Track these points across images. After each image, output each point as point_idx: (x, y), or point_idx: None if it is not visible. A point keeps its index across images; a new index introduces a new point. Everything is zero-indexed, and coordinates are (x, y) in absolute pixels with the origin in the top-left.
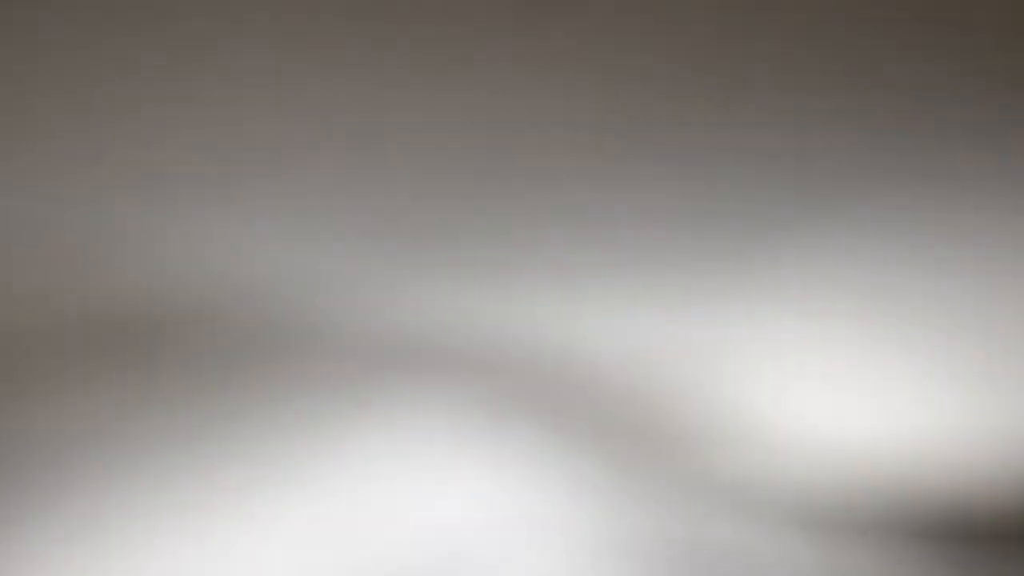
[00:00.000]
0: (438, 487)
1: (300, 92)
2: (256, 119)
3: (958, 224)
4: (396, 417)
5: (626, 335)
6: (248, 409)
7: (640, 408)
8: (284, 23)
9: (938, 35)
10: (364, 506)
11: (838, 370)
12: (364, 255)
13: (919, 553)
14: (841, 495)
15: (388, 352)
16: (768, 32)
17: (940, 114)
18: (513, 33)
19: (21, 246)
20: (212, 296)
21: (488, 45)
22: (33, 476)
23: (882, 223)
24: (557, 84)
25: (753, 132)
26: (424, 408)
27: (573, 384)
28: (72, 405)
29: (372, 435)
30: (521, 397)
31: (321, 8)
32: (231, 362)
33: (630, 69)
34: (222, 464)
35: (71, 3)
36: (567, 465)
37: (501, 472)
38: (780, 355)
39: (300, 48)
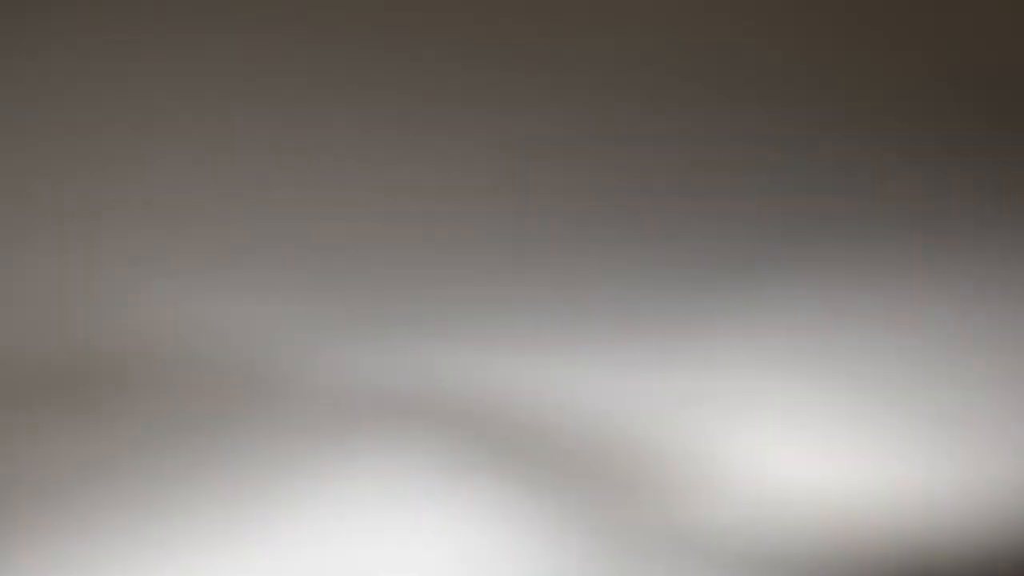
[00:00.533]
0: (409, 538)
1: (279, 147)
2: (235, 173)
3: (938, 281)
4: (368, 468)
5: (604, 389)
6: (219, 458)
7: (619, 461)
8: (273, 92)
9: (927, 88)
10: (333, 556)
11: (817, 425)
12: (337, 307)
13: None
14: (820, 549)
15: (361, 404)
16: (747, 86)
17: (929, 169)
18: (500, 99)
19: (4, 291)
20: (187, 346)
21: (470, 110)
22: (13, 519)
23: (862, 280)
24: (528, 129)
25: (737, 190)
26: (396, 460)
27: (548, 437)
28: (39, 453)
29: (343, 486)
30: (495, 449)
31: (307, 68)
32: (202, 412)
33: (596, 124)
34: (190, 514)
35: (56, 67)
36: (541, 516)
37: (474, 524)
38: (759, 410)
39: (281, 105)
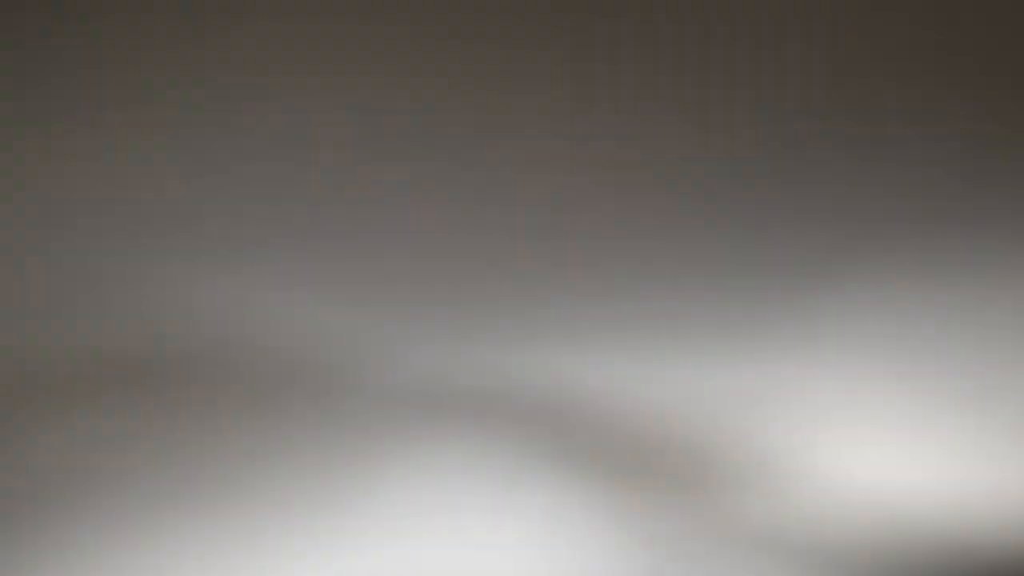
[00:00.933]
0: (466, 539)
1: (306, 145)
2: (267, 169)
3: (988, 276)
4: (425, 469)
5: (666, 387)
6: (264, 458)
7: (669, 457)
8: (288, 75)
9: (963, 93)
10: (390, 557)
11: (867, 420)
12: (399, 305)
13: None
14: (869, 545)
15: (420, 403)
16: (802, 86)
17: (968, 167)
18: (520, 88)
19: (29, 280)
20: (248, 342)
21: (497, 103)
22: (43, 509)
23: (929, 279)
24: (561, 131)
25: (785, 184)
26: (454, 460)
27: (601, 434)
28: (72, 439)
29: (390, 485)
30: (555, 449)
31: (326, 59)
32: (247, 410)
33: (653, 122)
34: (235, 513)
35: (70, 43)
36: (600, 516)
37: (533, 524)
38: (809, 405)
39: (300, 93)
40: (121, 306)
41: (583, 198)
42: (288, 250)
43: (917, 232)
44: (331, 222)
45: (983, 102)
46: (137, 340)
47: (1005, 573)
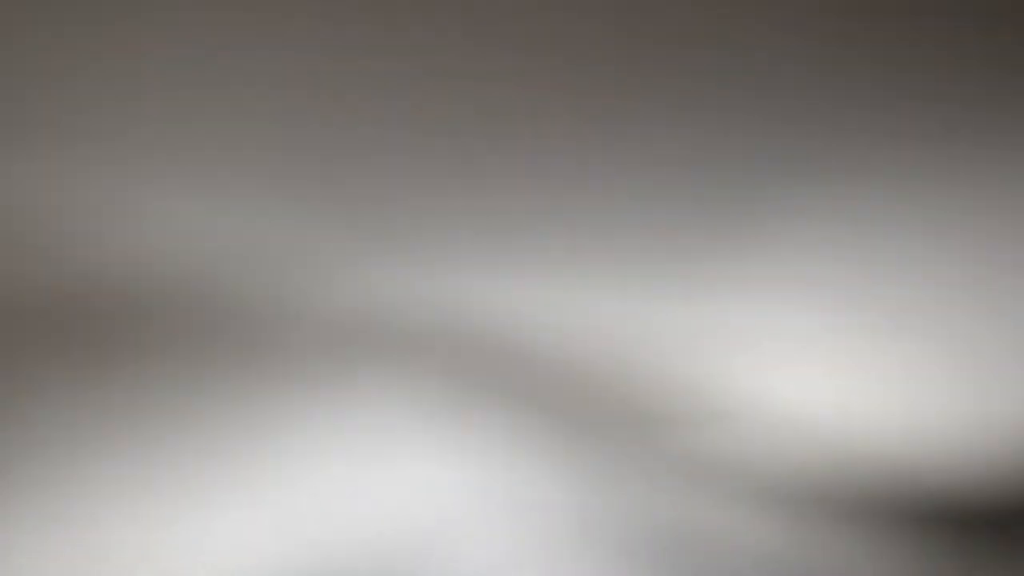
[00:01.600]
0: (407, 470)
1: (275, 73)
2: (229, 100)
3: (955, 209)
4: (364, 399)
5: (605, 318)
6: (200, 389)
7: (619, 390)
8: (261, 8)
9: (924, 30)
10: (332, 489)
11: (829, 351)
12: (334, 237)
13: (910, 536)
14: (815, 476)
15: (358, 333)
16: (761, 25)
17: (933, 103)
18: (497, 20)
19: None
20: (181, 276)
21: (470, 33)
22: (5, 461)
23: (877, 207)
24: (536, 69)
25: (744, 116)
26: (394, 390)
27: (552, 367)
28: (41, 385)
29: (337, 418)
30: (495, 380)
31: None
32: (199, 342)
33: (611, 54)
34: (187, 445)
35: None
36: (542, 447)
37: (472, 455)
38: (770, 336)
39: (274, 29)
40: (39, 239)
41: (528, 118)
42: (222, 179)
43: (885, 166)
44: (272, 148)
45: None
46: (58, 276)
47: (950, 498)
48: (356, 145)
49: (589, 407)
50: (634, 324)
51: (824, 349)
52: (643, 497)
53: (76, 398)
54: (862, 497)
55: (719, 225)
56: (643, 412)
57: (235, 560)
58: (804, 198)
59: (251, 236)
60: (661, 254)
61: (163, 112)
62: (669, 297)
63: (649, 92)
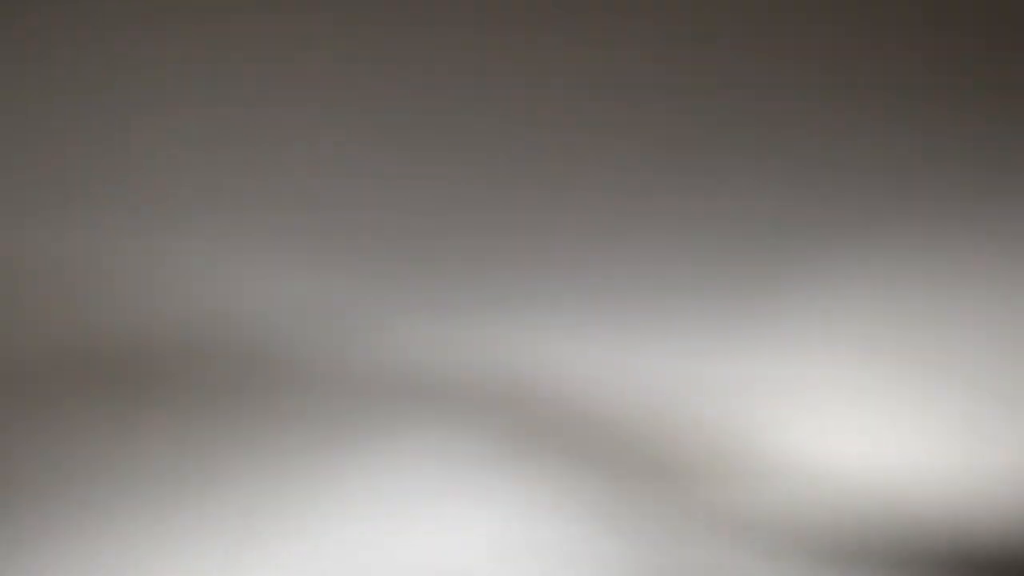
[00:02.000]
0: (441, 521)
1: (315, 130)
2: (270, 156)
3: (982, 261)
4: (402, 452)
5: (638, 374)
6: (238, 441)
7: (651, 445)
8: (276, 56)
9: (950, 83)
10: (365, 539)
11: (843, 406)
12: (373, 294)
13: None
14: (847, 530)
15: (396, 389)
16: (775, 73)
17: (940, 156)
18: (507, 69)
19: (20, 273)
20: (204, 328)
21: (478, 82)
22: (28, 500)
23: (887, 268)
24: (563, 113)
25: (777, 178)
26: (431, 442)
27: (582, 421)
28: (63, 431)
29: (366, 470)
30: (530, 434)
31: (311, 46)
32: (222, 395)
33: (640, 101)
34: (211, 497)
35: (63, 37)
36: (576, 501)
37: (507, 507)
38: (786, 391)
39: (293, 78)
40: (96, 293)
41: (565, 177)
42: (256, 231)
43: (893, 222)
44: (299, 200)
45: (982, 77)
46: (112, 335)
47: (983, 552)
48: (396, 203)
49: (622, 461)
50: (668, 379)
51: (856, 404)
52: (675, 550)
53: (113, 450)
54: (894, 552)
55: (752, 283)
56: (676, 466)
57: None
58: (835, 256)
59: (291, 294)
60: (696, 311)
61: (207, 170)
62: (703, 353)
63: (687, 155)
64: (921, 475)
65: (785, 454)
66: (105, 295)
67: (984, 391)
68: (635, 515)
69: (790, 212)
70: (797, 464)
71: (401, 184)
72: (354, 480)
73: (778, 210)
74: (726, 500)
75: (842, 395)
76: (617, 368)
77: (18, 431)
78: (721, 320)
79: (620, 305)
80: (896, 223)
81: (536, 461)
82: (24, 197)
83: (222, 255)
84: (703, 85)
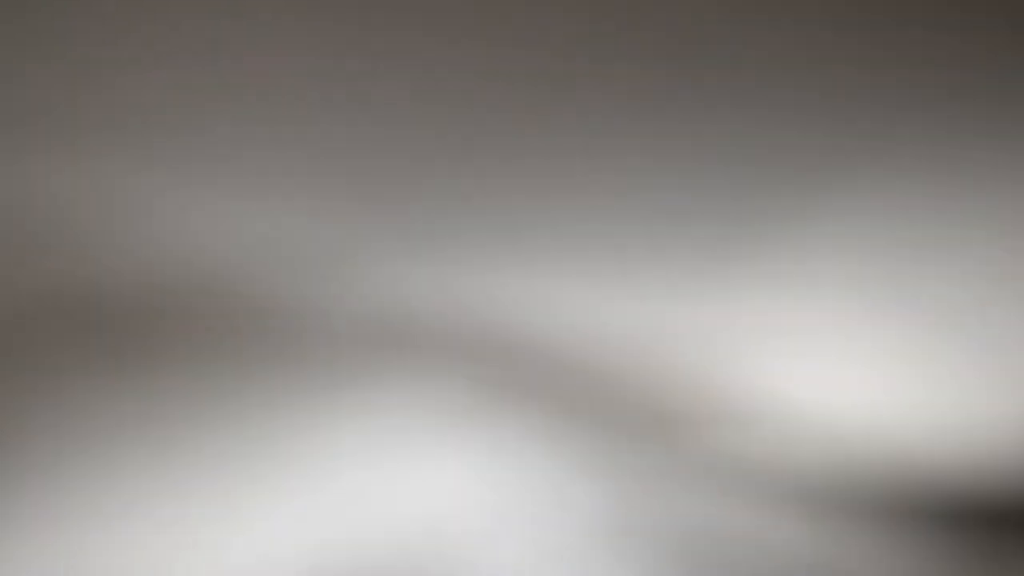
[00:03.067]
0: (430, 471)
1: (299, 74)
2: (247, 99)
3: (955, 205)
4: (388, 400)
5: (623, 317)
6: (237, 391)
7: (638, 391)
8: (285, 7)
9: (935, 27)
10: (355, 490)
11: (839, 350)
12: (356, 237)
13: (921, 533)
14: (843, 475)
15: (380, 334)
16: (760, 22)
17: (935, 98)
18: (509, 20)
19: (16, 226)
20: (201, 277)
21: (486, 38)
22: (26, 461)
23: (879, 204)
24: (551, 68)
25: (746, 116)
26: (416, 391)
27: (568, 367)
28: (64, 385)
29: (363, 418)
30: (516, 381)
31: None
32: (220, 343)
33: (620, 57)
34: (210, 446)
35: None
36: (563, 449)
37: (494, 456)
38: (780, 335)
39: (292, 29)
40: (55, 237)
41: (544, 121)
42: (239, 173)
43: (886, 162)
44: (292, 147)
45: (988, 14)
46: (74, 275)
47: (973, 496)
48: (377, 146)
49: (608, 408)
50: (652, 324)
51: (843, 347)
52: (663, 497)
53: (98, 402)
54: (884, 496)
55: (735, 223)
56: (663, 412)
57: (258, 563)
58: (820, 195)
59: (273, 237)
60: (677, 253)
61: (185, 114)
62: (687, 297)
63: (662, 93)
64: (912, 419)
65: (774, 399)
66: (97, 248)
67: (976, 335)
68: (622, 462)
69: (776, 147)
70: (786, 409)
71: (381, 125)
72: (337, 431)
73: (764, 145)
74: (714, 447)
75: (831, 339)
76: (600, 313)
77: (9, 379)
78: (707, 262)
79: (603, 249)
80: (886, 158)
81: (521, 410)
82: (17, 150)
83: (203, 202)
84: (684, 13)
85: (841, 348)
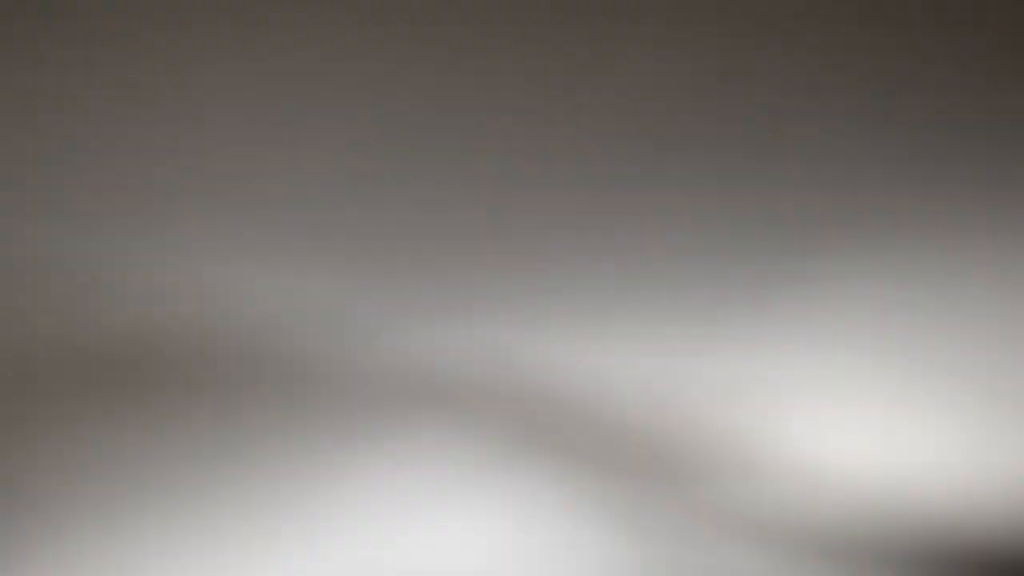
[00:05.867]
0: (445, 522)
1: (316, 135)
2: (274, 162)
3: (965, 265)
4: (404, 453)
5: (638, 369)
6: (241, 443)
7: (654, 444)
8: (277, 57)
9: (960, 60)
10: (366, 543)
11: (848, 403)
12: (375, 294)
13: None
14: (851, 528)
15: (410, 390)
16: (762, 88)
17: (937, 160)
18: (504, 68)
19: (29, 274)
20: (213, 330)
21: (476, 82)
22: (35, 499)
23: (894, 264)
24: (562, 111)
25: (777, 175)
26: (432, 444)
27: (585, 421)
28: (72, 432)
29: (378, 471)
30: (540, 435)
31: (317, 45)
32: (231, 396)
33: (641, 96)
34: (222, 498)
35: (67, 41)
36: (584, 500)
37: (519, 507)
38: (791, 388)
39: (295, 78)
40: (80, 299)
41: (572, 180)
42: (274, 235)
43: (899, 219)
44: (302, 204)
45: (989, 76)
46: (119, 336)
47: (986, 552)
48: (404, 208)
49: (625, 461)
50: (672, 378)
51: (859, 403)
52: (681, 548)
53: (116, 451)
54: (896, 549)
55: (752, 282)
56: (680, 465)
57: None
58: (840, 253)
59: (301, 294)
60: (695, 313)
61: (212, 175)
62: (704, 354)
63: (688, 151)
64: (924, 474)
65: (789, 453)
66: (108, 295)
67: (989, 391)
68: (638, 514)
69: (795, 208)
70: (801, 463)
71: (402, 186)
72: (358, 481)
73: (782, 206)
74: (729, 499)
75: (846, 393)
76: (620, 368)
77: (18, 430)
78: (727, 318)
79: (624, 304)
80: (903, 220)
81: (540, 461)
82: (25, 197)
83: (227, 256)
84: (704, 80)
85: (855, 405)
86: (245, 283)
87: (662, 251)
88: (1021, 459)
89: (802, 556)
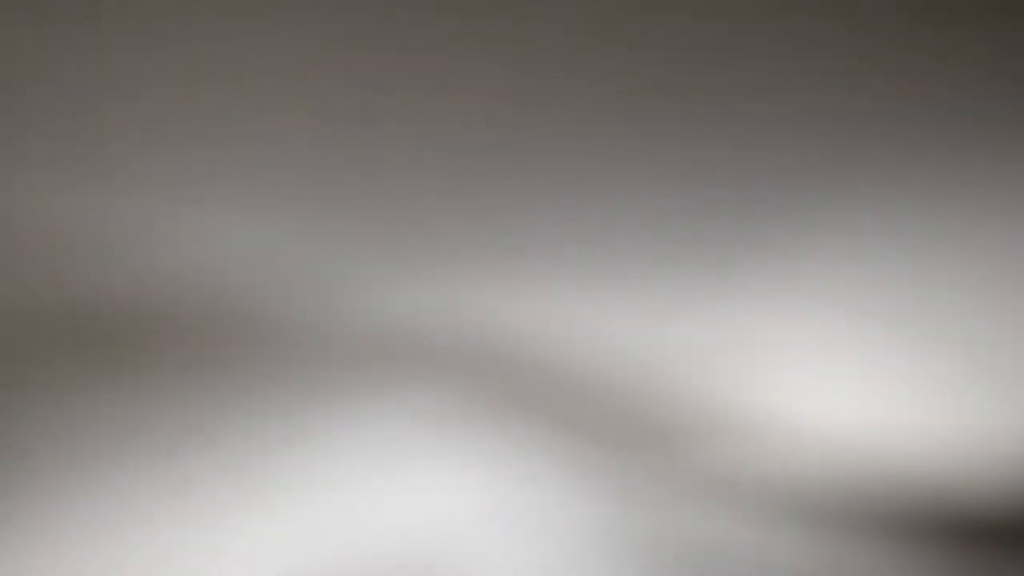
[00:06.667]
0: (424, 483)
1: (302, 95)
2: (256, 119)
3: (948, 221)
4: (382, 412)
5: (619, 334)
6: (234, 404)
7: (633, 406)
8: (279, 21)
9: (937, 34)
10: (347, 502)
11: (829, 366)
12: (356, 255)
13: (912, 548)
14: (834, 490)
15: (378, 349)
16: (760, 32)
17: (933, 112)
18: (505, 32)
19: (19, 241)
20: (196, 293)
21: (479, 45)
22: (27, 469)
23: (871, 222)
24: (548, 82)
25: (754, 131)
26: (414, 403)
27: (567, 382)
28: (62, 396)
29: (357, 431)
30: (515, 395)
31: (316, 7)
32: (215, 358)
33: (621, 69)
34: (207, 458)
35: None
36: (563, 462)
37: (493, 468)
38: (772, 352)
39: (295, 48)
40: (60, 259)
41: (548, 146)
42: (238, 194)
43: (877, 178)
44: (286, 164)
45: (985, 26)
46: (98, 297)
47: (971, 514)
48: (376, 166)
49: (607, 422)
50: (652, 341)
51: (839, 363)
52: (661, 511)
53: (92, 416)
54: (882, 511)
55: (732, 241)
56: (662, 427)
57: (254, 573)
58: (818, 211)
59: (276, 253)
60: (676, 272)
61: (191, 131)
62: (686, 314)
63: (657, 110)
64: (908, 435)
65: (771, 415)
66: (97, 262)
67: (971, 351)
68: (620, 476)
69: (777, 165)
70: (783, 425)
71: (376, 142)
72: (336, 443)
73: (763, 163)
74: (713, 461)
75: (828, 354)
76: (601, 329)
77: (11, 398)
78: (707, 279)
79: (603, 267)
80: (885, 178)
81: (520, 423)
82: (21, 163)
83: (215, 220)
84: (675, 41)
85: (840, 366)
86: (220, 244)
87: (638, 214)
88: (1001, 418)
89: (786, 518)
